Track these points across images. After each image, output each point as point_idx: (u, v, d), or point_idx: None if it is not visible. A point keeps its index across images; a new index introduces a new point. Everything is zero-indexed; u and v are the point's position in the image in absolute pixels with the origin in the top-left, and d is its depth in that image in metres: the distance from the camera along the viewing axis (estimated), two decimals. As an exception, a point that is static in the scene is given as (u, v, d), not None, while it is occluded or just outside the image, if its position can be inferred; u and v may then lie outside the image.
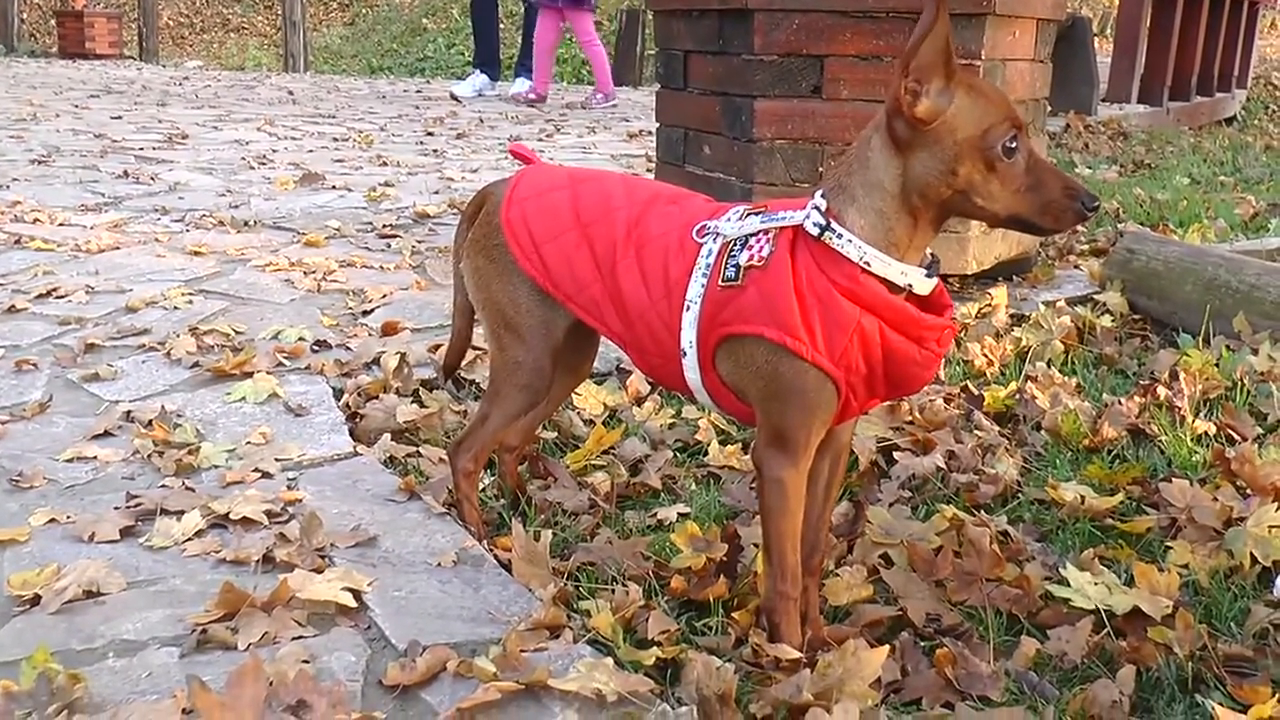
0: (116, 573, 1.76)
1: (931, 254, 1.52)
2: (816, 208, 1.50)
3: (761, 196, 3.11)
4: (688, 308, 1.58)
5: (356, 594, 1.67)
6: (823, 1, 3.06)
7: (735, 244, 1.56)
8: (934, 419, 2.39)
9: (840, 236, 1.47)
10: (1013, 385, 2.61)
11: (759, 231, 1.55)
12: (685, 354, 1.60)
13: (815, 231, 1.49)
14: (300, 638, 1.59)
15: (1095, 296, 3.24)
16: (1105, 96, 8.76)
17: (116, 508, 1.98)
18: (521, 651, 1.47)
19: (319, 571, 1.73)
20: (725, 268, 1.55)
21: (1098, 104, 8.18)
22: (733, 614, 1.70)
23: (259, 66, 18.53)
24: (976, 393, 2.58)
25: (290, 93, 11.04)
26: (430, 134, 7.52)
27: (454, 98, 10.29)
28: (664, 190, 1.74)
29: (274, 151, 6.47)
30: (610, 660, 1.45)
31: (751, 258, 1.53)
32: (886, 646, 1.53)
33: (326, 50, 20.04)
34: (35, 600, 1.70)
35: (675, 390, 1.72)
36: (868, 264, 1.46)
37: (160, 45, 18.74)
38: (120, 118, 8.07)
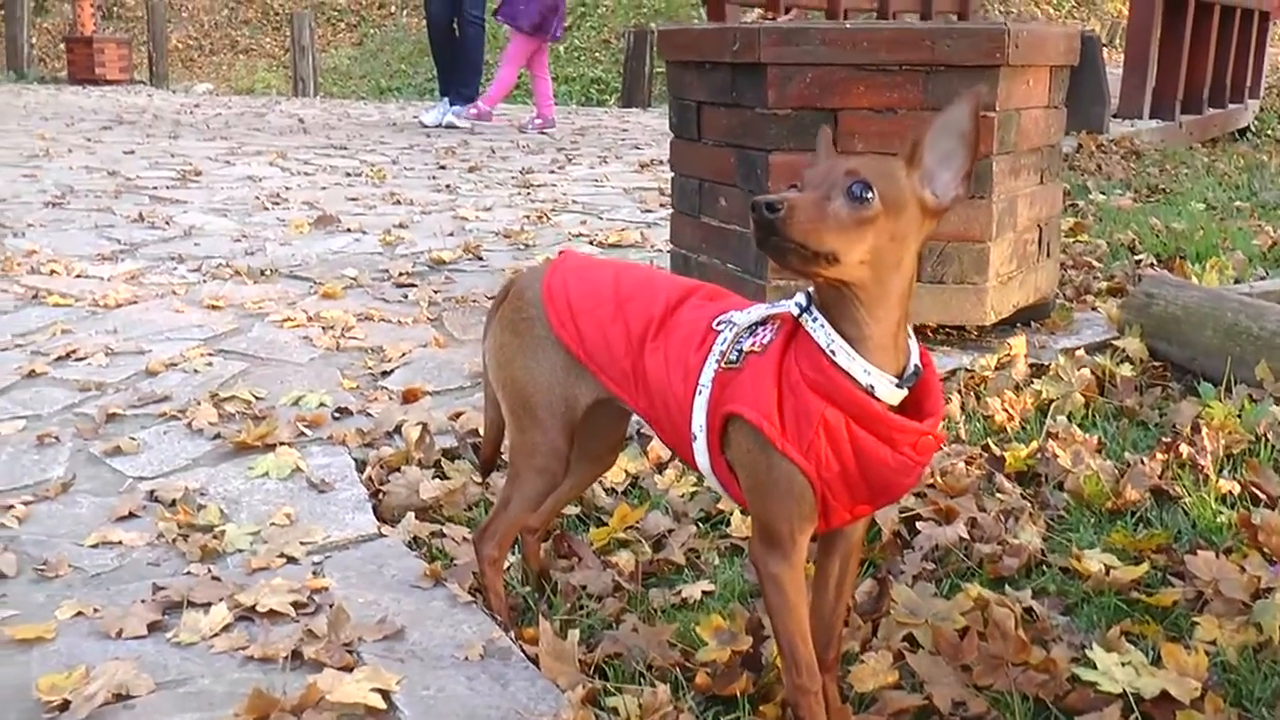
0: (145, 673, 1.77)
1: (916, 365, 1.51)
2: (807, 291, 1.51)
3: (777, 250, 3.12)
4: (700, 392, 1.59)
5: (385, 694, 1.68)
6: (836, 55, 3.07)
7: (745, 331, 1.57)
8: (956, 484, 2.39)
9: (815, 321, 1.47)
10: (1034, 444, 2.61)
11: (767, 319, 1.56)
12: (696, 437, 1.61)
13: (795, 312, 1.49)
14: (331, 741, 1.60)
15: (1114, 342, 3.24)
16: (1117, 112, 8.76)
17: (143, 600, 1.99)
18: (551, 760, 1.48)
19: (348, 670, 1.74)
20: (730, 352, 1.56)
21: (1109, 122, 8.17)
22: (761, 708, 1.70)
23: (268, 89, 18.62)
24: (998, 453, 2.58)
25: (301, 120, 11.08)
26: (442, 167, 7.54)
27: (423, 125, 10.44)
28: (704, 286, 1.75)
29: (287, 189, 6.50)
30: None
31: (755, 343, 1.54)
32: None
33: (335, 71, 20.11)
34: (64, 706, 1.70)
35: (693, 469, 1.73)
36: (834, 353, 1.45)
37: (170, 69, 18.82)
38: (133, 152, 8.11)
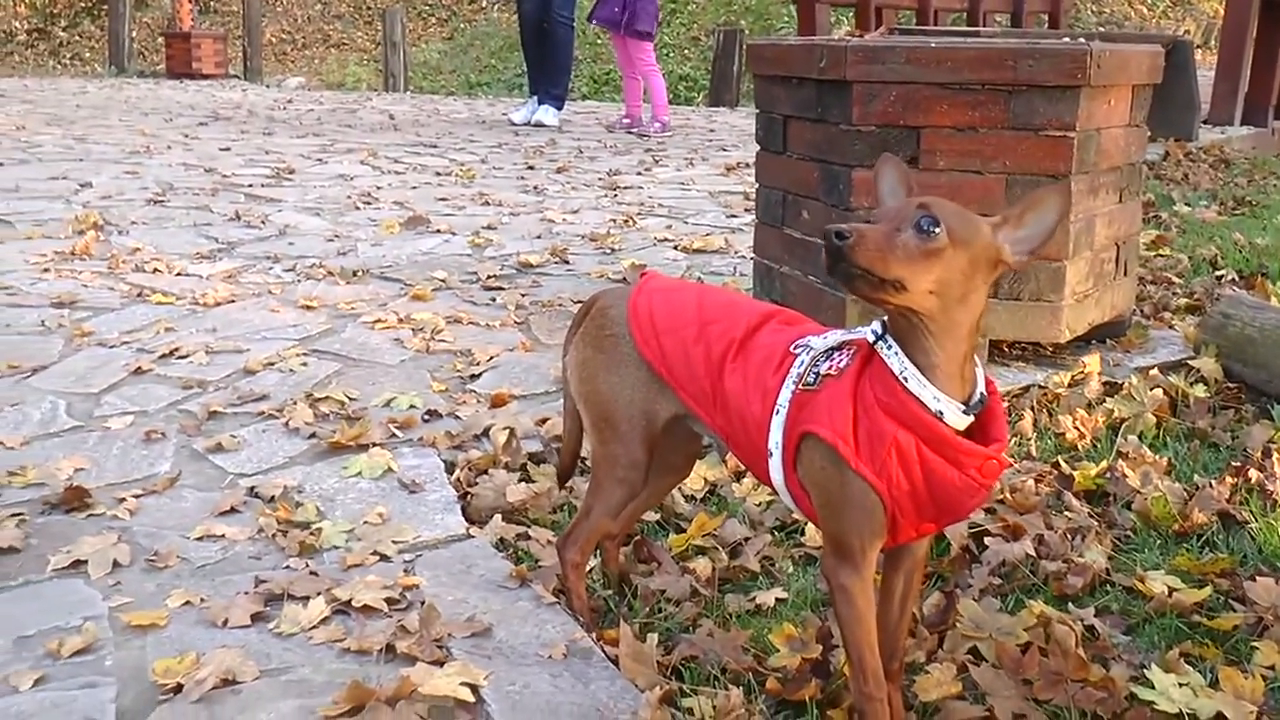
0: (250, 661, 1.90)
1: (982, 393, 1.59)
2: (882, 320, 1.60)
3: (859, 263, 3.20)
4: (777, 412, 1.69)
5: (474, 688, 1.80)
6: (919, 74, 3.14)
7: (822, 355, 1.66)
8: (1024, 501, 2.46)
9: (889, 348, 1.56)
10: (1104, 463, 2.67)
11: (842, 344, 1.66)
12: (771, 454, 1.70)
13: (871, 339, 1.59)
14: (423, 732, 1.72)
15: (1189, 362, 3.28)
16: (1207, 118, 8.68)
17: (246, 592, 2.12)
18: (627, 757, 1.58)
19: (439, 664, 1.86)
20: (808, 374, 1.65)
21: (1199, 128, 8.11)
22: (828, 713, 1.80)
23: (359, 84, 18.91)
24: (1068, 471, 2.64)
25: (391, 117, 11.29)
26: (530, 167, 7.67)
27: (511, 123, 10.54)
28: (782, 311, 1.84)
29: (378, 189, 6.67)
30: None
31: (831, 367, 1.64)
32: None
33: (425, 66, 20.38)
34: (178, 689, 1.84)
35: (766, 485, 1.82)
36: (905, 379, 1.54)
37: (263, 63, 19.20)
38: (229, 149, 8.34)
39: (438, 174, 7.33)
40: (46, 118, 10.06)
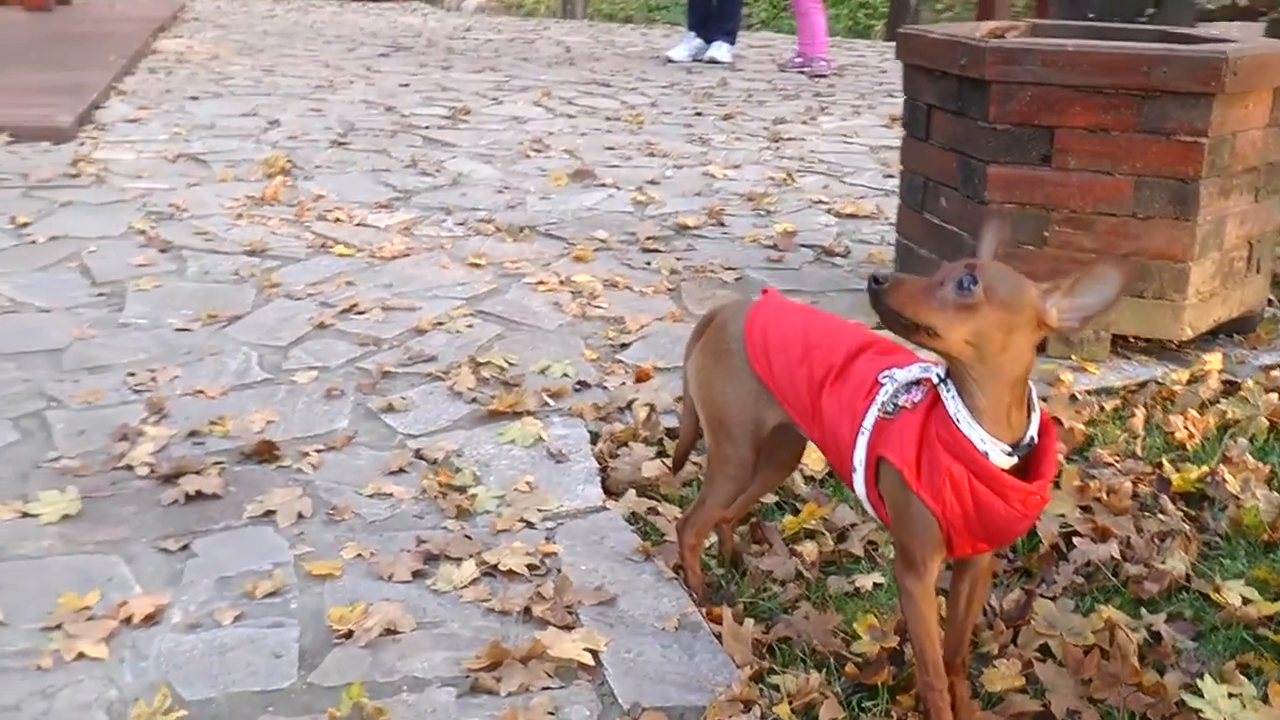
0: (409, 614, 2.26)
1: (1032, 437, 1.82)
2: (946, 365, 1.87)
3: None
4: (862, 434, 1.97)
5: (594, 653, 2.13)
6: (1055, 75, 3.33)
7: (903, 388, 1.94)
8: (1119, 504, 2.68)
9: (948, 390, 1.83)
10: (1206, 467, 2.86)
11: (920, 380, 1.92)
12: (856, 470, 1.99)
13: (935, 380, 1.86)
14: (548, 689, 2.05)
15: (1316, 361, 3.42)
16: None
17: (408, 550, 2.48)
18: (717, 722, 1.91)
19: (567, 629, 2.20)
20: (888, 404, 1.93)
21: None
22: (898, 696, 2.09)
23: (538, 6, 19.26)
24: (1169, 474, 2.83)
25: (568, 50, 11.59)
26: (698, 113, 7.90)
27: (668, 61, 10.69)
28: (881, 341, 2.11)
29: (549, 134, 7.00)
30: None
31: (908, 400, 1.91)
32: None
33: (605, -12, 20.60)
34: (349, 634, 2.21)
35: (852, 492, 2.12)
36: (959, 420, 1.80)
37: (446, -18, 19.65)
38: (408, 85, 8.75)
39: (607, 118, 7.63)
40: (238, 46, 10.63)
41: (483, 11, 17.47)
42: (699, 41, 10.78)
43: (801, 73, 10.07)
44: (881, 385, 1.97)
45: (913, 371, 1.95)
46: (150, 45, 9.99)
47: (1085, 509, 2.69)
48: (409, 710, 2.01)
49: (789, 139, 7.07)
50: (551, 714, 1.98)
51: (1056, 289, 1.76)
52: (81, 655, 2.15)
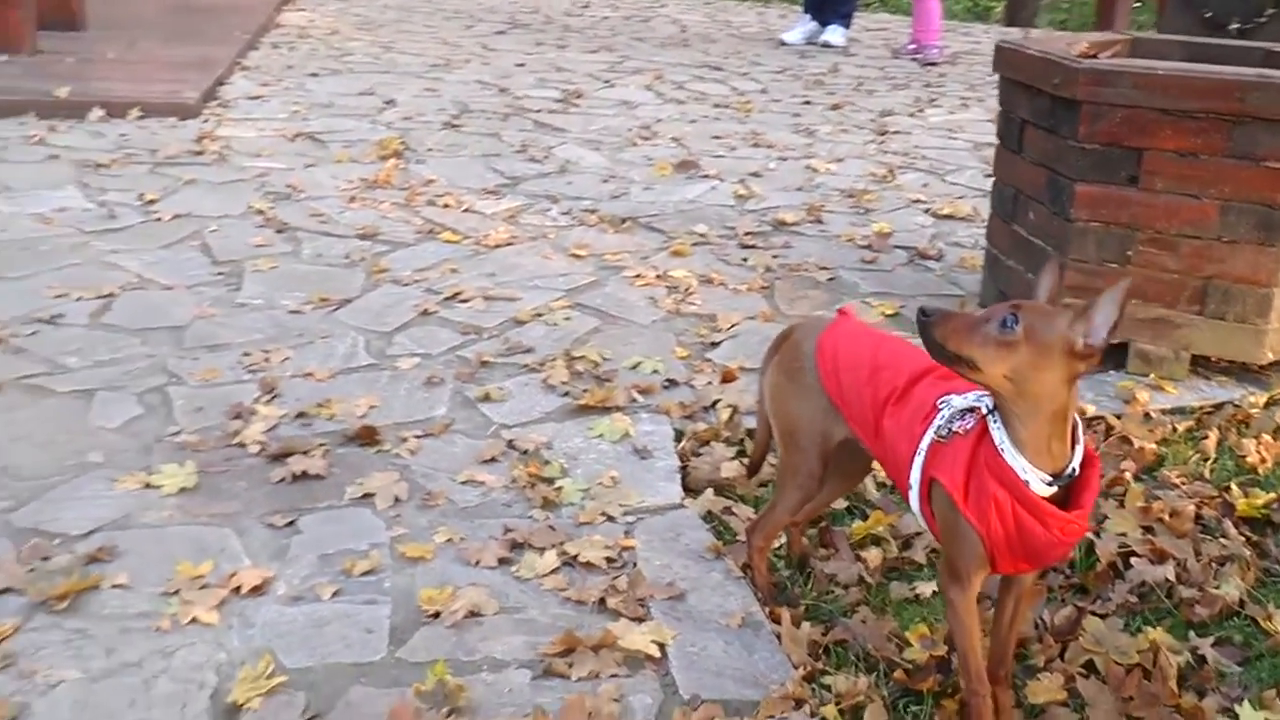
0: (493, 599, 2.45)
1: (1074, 468, 1.96)
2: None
3: (1074, 271, 3.53)
4: (918, 454, 2.13)
5: (661, 645, 2.30)
6: (1146, 98, 3.41)
7: (958, 414, 2.08)
8: (1179, 527, 2.78)
9: (995, 421, 1.98)
10: (1272, 494, 2.94)
11: (974, 408, 2.07)
12: (911, 487, 2.14)
13: (985, 410, 2.01)
14: (615, 676, 2.23)
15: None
16: None
17: (495, 537, 2.67)
18: (769, 717, 2.07)
19: (638, 621, 2.37)
20: (943, 428, 2.08)
21: None
22: (943, 701, 2.23)
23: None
24: (1236, 498, 2.92)
25: (683, 30, 11.71)
26: (807, 102, 8.00)
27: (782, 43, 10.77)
28: (939, 368, 2.24)
29: (658, 121, 7.15)
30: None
31: (961, 427, 2.06)
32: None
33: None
34: (436, 615, 2.41)
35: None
36: (1003, 450, 1.95)
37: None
38: (523, 65, 8.94)
39: (716, 105, 7.76)
40: (358, 20, 10.90)
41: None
42: (814, 25, 10.83)
43: (914, 60, 10.09)
44: (939, 410, 2.12)
45: (968, 399, 2.09)
46: (274, 19, 10.30)
47: (1147, 529, 2.79)
48: (487, 689, 2.20)
49: (894, 132, 7.15)
50: (617, 700, 2.16)
51: (1077, 317, 1.89)
52: (195, 620, 2.38)
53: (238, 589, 2.47)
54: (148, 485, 2.87)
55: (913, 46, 10.28)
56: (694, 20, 12.63)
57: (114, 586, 2.48)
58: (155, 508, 2.79)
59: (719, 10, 14.26)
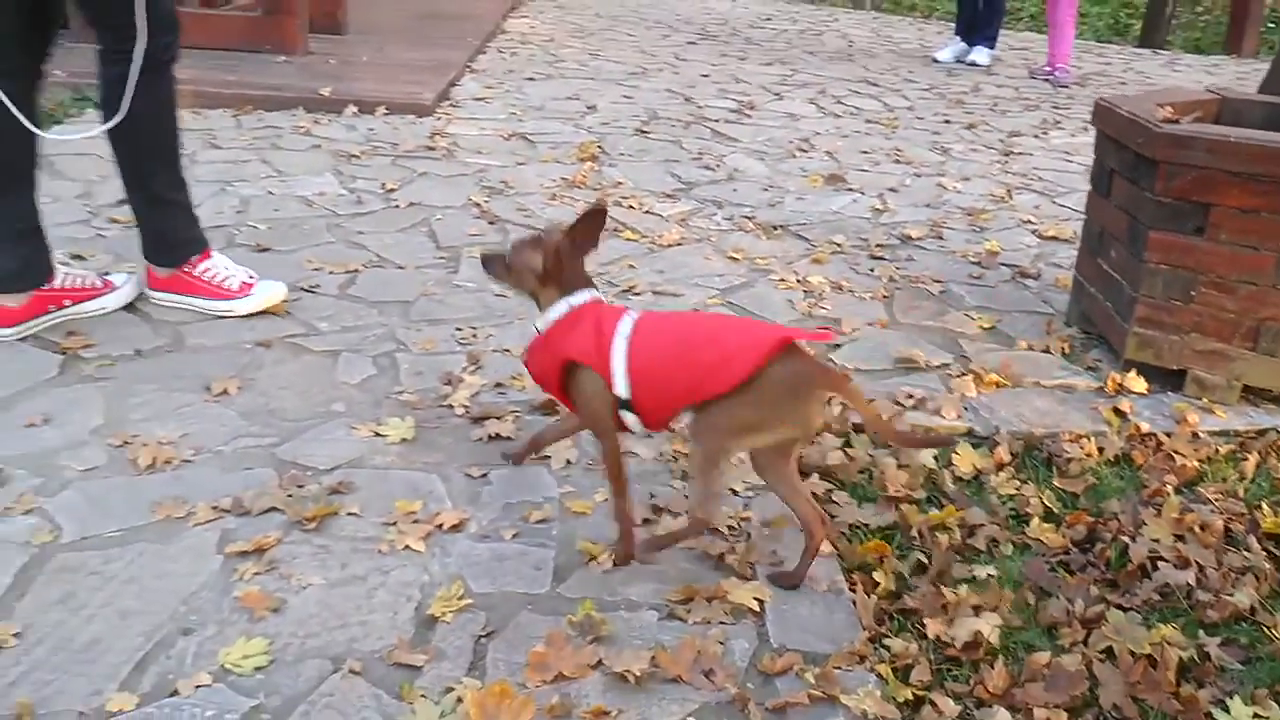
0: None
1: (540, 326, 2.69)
2: None
3: (1143, 307, 3.65)
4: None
5: (761, 602, 2.56)
6: (1216, 161, 3.49)
7: None
8: (1208, 538, 2.89)
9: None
10: (1299, 513, 3.04)
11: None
12: None
13: None
14: (722, 623, 2.49)
15: None
16: None
17: (642, 501, 2.94)
18: (835, 669, 2.31)
19: (745, 579, 2.63)
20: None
21: None
22: (980, 667, 2.44)
23: (835, -10, 19.17)
24: (1265, 515, 2.99)
25: (850, 44, 11.73)
26: (947, 121, 8.03)
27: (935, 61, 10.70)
28: None
29: (816, 134, 7.29)
30: (879, 692, 2.27)
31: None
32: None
33: (894, -24, 20.37)
34: (590, 560, 2.69)
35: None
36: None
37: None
38: (708, 75, 9.12)
39: (868, 120, 7.85)
40: (572, 28, 11.19)
41: (784, -4, 17.57)
42: (962, 45, 10.79)
43: (1047, 80, 9.99)
44: None
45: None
46: (501, 25, 10.65)
47: (1179, 537, 2.89)
48: (623, 624, 2.48)
49: (1018, 153, 7.17)
50: (721, 644, 2.41)
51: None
52: (407, 547, 2.69)
53: (440, 525, 2.77)
54: (376, 434, 3.19)
55: (1048, 69, 10.17)
56: (860, 35, 12.63)
57: (349, 514, 2.81)
58: (381, 453, 3.11)
59: (884, 25, 14.20)
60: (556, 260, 2.61)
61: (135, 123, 3.53)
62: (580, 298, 2.62)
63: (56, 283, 3.70)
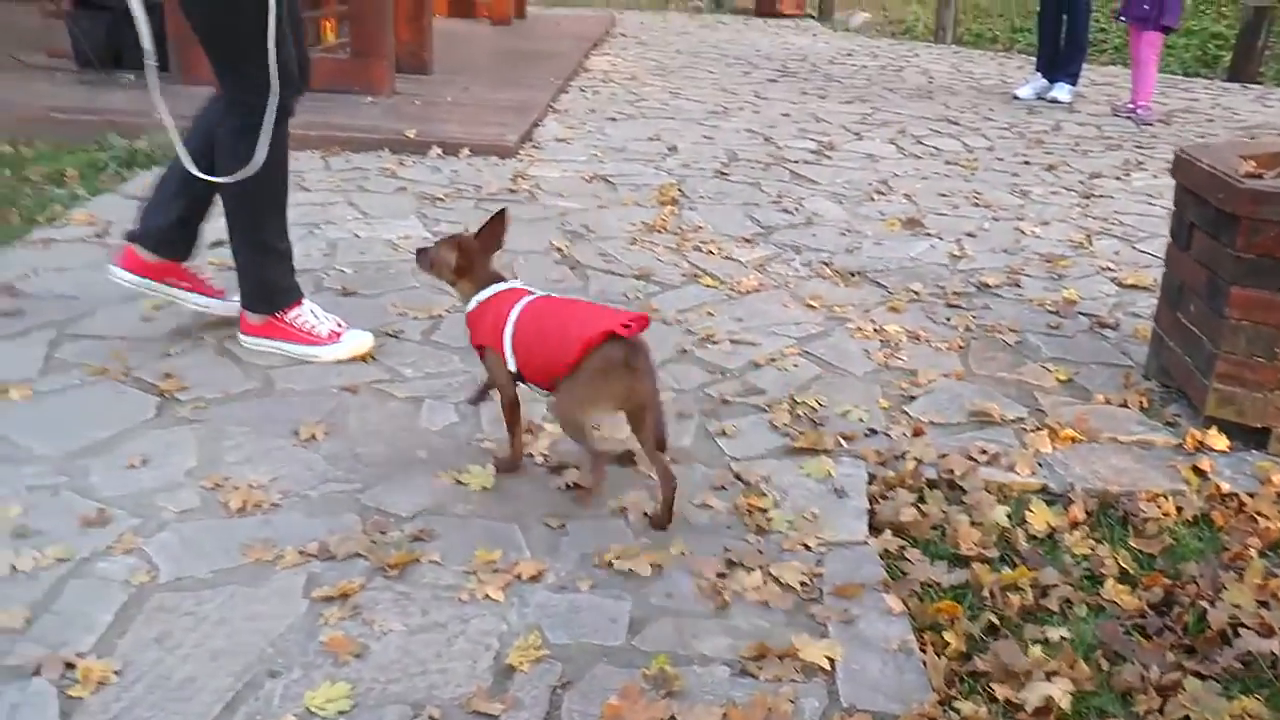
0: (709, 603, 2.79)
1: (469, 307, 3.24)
2: None
3: (1224, 363, 3.63)
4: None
5: (832, 660, 2.59)
6: (1297, 219, 3.48)
7: None
8: (1293, 605, 2.87)
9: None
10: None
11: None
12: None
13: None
14: (794, 681, 2.52)
15: None
16: None
17: (715, 554, 2.97)
18: (904, 731, 2.35)
19: (823, 637, 2.66)
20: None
21: None
22: (1052, 733, 2.46)
23: (916, 22, 19.19)
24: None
25: (930, 80, 11.74)
26: (1026, 162, 8.00)
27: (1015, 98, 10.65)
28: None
29: (895, 176, 7.31)
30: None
31: None
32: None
33: (976, 9, 20.26)
34: (664, 614, 2.75)
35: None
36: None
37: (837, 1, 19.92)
38: (788, 115, 9.20)
39: (947, 162, 7.85)
40: (653, 66, 11.33)
41: (866, 30, 17.64)
42: (1043, 81, 10.75)
43: (1129, 118, 9.91)
44: None
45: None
46: (583, 64, 10.81)
47: (1262, 603, 2.85)
48: (695, 679, 2.53)
49: (1099, 196, 7.11)
50: (792, 702, 2.45)
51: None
52: (487, 596, 2.76)
53: (519, 575, 2.84)
54: (458, 481, 3.27)
55: (1131, 105, 10.10)
56: (940, 70, 12.62)
57: (430, 561, 2.88)
58: (463, 500, 3.19)
59: (964, 60, 14.18)
60: (467, 258, 3.19)
61: (256, 173, 3.68)
62: (488, 292, 3.19)
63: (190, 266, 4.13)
